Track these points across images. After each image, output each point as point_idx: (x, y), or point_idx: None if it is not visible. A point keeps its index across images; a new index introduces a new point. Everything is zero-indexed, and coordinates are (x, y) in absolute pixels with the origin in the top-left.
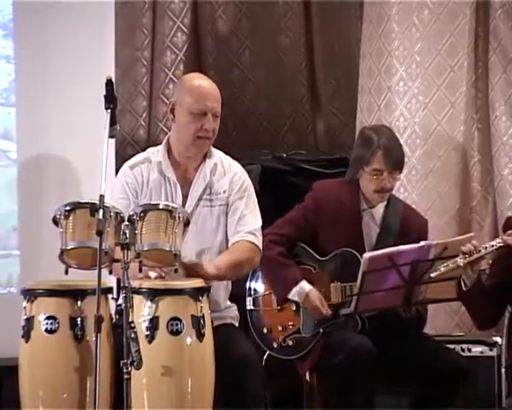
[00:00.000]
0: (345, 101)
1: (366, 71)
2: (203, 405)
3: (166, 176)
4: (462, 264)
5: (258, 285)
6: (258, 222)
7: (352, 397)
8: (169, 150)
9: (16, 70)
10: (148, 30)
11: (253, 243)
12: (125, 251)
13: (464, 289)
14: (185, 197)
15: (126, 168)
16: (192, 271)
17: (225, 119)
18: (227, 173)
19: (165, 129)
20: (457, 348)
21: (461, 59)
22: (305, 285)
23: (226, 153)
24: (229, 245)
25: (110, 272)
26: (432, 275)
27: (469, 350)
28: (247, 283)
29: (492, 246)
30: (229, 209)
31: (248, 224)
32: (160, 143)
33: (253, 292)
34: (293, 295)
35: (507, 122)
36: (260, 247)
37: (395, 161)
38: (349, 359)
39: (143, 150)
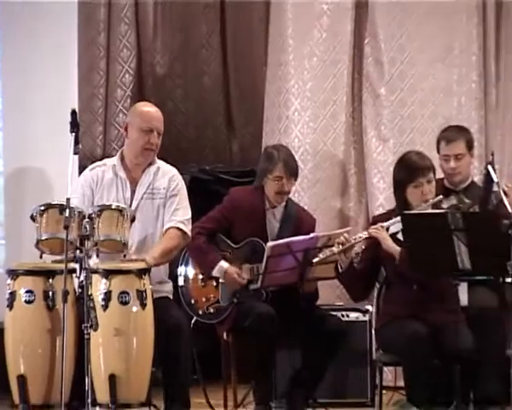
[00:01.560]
0: (253, 127)
1: (269, 104)
2: (145, 358)
3: (119, 175)
4: (336, 251)
5: (187, 268)
6: (188, 214)
7: (259, 351)
8: (122, 158)
9: (3, 102)
10: (103, 72)
11: (182, 230)
12: (86, 241)
13: (340, 271)
14: (133, 192)
15: (87, 171)
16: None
17: (162, 141)
18: (166, 175)
19: (116, 148)
20: (339, 314)
21: (341, 95)
22: (223, 264)
23: None
24: (164, 230)
25: (74, 258)
26: (313, 261)
27: (348, 316)
28: (179, 266)
29: (360, 237)
30: (166, 203)
31: (179, 215)
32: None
33: (183, 273)
34: (216, 272)
35: (376, 143)
36: (189, 233)
37: (292, 170)
38: (256, 322)
39: None
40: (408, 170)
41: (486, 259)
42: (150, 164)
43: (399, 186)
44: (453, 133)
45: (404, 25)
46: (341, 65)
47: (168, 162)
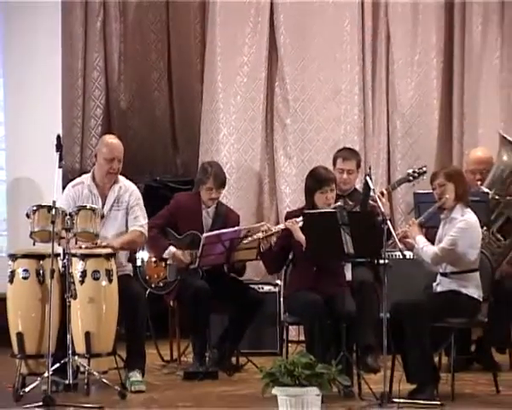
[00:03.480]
0: (192, 147)
1: (204, 130)
2: (112, 320)
3: (92, 192)
4: (261, 237)
5: (143, 253)
6: (145, 219)
7: (196, 315)
8: (94, 178)
9: (6, 129)
10: (80, 107)
11: (141, 231)
12: (67, 232)
13: (262, 251)
14: (103, 205)
15: (70, 187)
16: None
17: (124, 157)
18: (127, 191)
19: (90, 164)
20: (256, 287)
21: (257, 124)
22: (171, 248)
23: (126, 176)
24: (128, 231)
25: (59, 245)
26: (244, 242)
27: (263, 288)
28: (137, 251)
29: (279, 228)
30: (128, 211)
31: (139, 220)
32: (88, 172)
33: (140, 256)
34: (166, 254)
35: (283, 160)
36: (146, 234)
37: (220, 182)
38: (194, 294)
39: (79, 176)
40: (316, 180)
41: (365, 246)
42: (115, 183)
43: (309, 192)
44: (348, 154)
45: (304, 71)
46: (258, 102)
47: (128, 173)
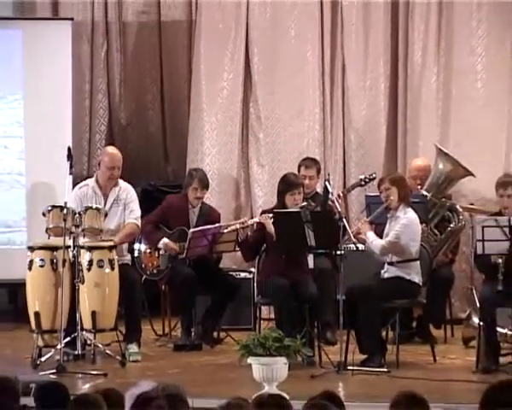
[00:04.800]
0: (181, 158)
1: (191, 143)
2: (114, 301)
3: (96, 192)
4: (238, 227)
5: (140, 245)
6: (139, 213)
7: (184, 297)
8: (97, 181)
9: (25, 142)
10: (87, 124)
11: (136, 223)
12: (76, 228)
13: (240, 241)
14: (105, 203)
15: (77, 188)
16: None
17: (124, 165)
18: (125, 191)
19: (95, 170)
20: (234, 273)
21: (235, 138)
22: (165, 239)
23: (125, 181)
24: (125, 223)
25: (69, 239)
26: (225, 231)
27: (239, 275)
28: (135, 243)
29: (254, 221)
30: (126, 208)
31: (134, 214)
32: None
33: (137, 248)
34: (160, 244)
35: (257, 168)
36: (140, 225)
37: (203, 184)
38: (182, 279)
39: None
40: (287, 184)
41: (324, 239)
42: (115, 185)
43: (281, 194)
44: (310, 162)
45: (274, 94)
46: (235, 119)
47: (127, 178)
